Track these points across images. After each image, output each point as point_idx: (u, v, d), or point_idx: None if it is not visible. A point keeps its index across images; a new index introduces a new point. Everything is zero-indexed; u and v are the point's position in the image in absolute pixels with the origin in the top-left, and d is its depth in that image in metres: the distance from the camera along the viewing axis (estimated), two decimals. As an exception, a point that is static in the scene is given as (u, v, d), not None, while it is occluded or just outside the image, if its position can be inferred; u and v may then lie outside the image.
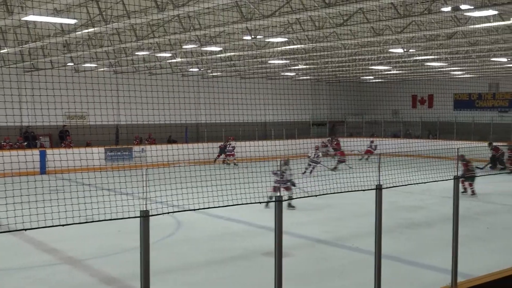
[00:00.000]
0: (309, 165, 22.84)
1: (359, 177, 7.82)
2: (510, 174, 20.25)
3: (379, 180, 5.62)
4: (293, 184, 14.75)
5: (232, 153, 27.26)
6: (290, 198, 14.38)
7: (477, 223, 13.56)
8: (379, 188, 5.41)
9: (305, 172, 21.90)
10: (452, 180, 6.21)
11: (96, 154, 25.26)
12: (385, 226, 10.16)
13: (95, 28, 14.69)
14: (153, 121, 22.39)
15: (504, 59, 22.77)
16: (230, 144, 27.73)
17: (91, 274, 9.54)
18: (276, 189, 14.38)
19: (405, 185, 6.83)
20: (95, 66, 25.11)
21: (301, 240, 11.74)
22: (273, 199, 15.09)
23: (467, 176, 16.91)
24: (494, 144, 25.30)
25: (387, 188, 5.79)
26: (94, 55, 22.07)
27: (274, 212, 4.75)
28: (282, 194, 14.39)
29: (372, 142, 30.07)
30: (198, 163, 22.68)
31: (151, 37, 16.63)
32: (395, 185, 6.85)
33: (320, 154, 24.73)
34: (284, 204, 13.74)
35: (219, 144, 27.81)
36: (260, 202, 13.65)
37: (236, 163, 25.90)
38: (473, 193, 17.13)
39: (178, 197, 6.87)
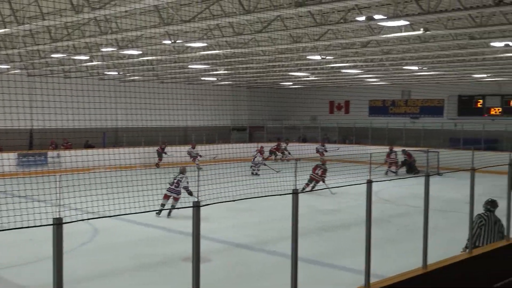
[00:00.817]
0: (253, 167, 24.67)
1: (278, 182, 7.96)
2: (418, 177, 21.25)
3: (296, 184, 5.73)
4: (190, 193, 14.61)
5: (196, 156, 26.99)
6: (173, 208, 14.64)
7: (390, 225, 14.12)
8: (295, 193, 5.51)
9: (253, 173, 23.97)
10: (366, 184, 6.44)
11: (6, 160, 24.15)
12: (303, 230, 10.38)
13: (7, 29, 14.11)
14: (67, 126, 21.82)
15: (415, 68, 23.77)
16: (163, 148, 28.01)
17: (4, 286, 9.14)
18: (167, 196, 14.77)
19: (322, 189, 7.02)
20: (7, 68, 24.07)
21: (220, 245, 11.75)
22: (165, 207, 14.93)
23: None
24: (407, 149, 26.48)
25: (302, 192, 5.92)
26: (6, 57, 21.16)
27: (192, 218, 4.74)
28: (171, 203, 14.60)
29: (322, 145, 30.82)
30: (116, 168, 22.19)
31: (67, 40, 16.16)
32: (311, 189, 6.99)
33: (260, 158, 25.78)
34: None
35: (156, 148, 28.01)
36: (154, 210, 13.56)
37: (201, 167, 25.30)
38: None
39: (94, 204, 6.71)
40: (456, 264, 7.25)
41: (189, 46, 18.42)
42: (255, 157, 25.62)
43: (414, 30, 14.69)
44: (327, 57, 20.78)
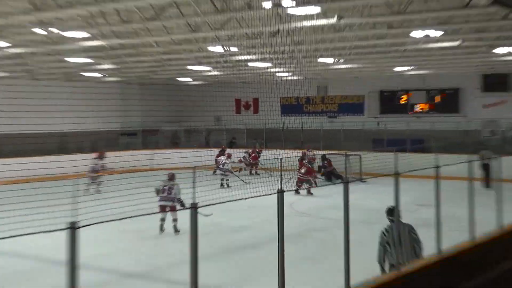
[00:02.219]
0: (222, 175, 25.27)
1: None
2: (338, 184, 21.89)
3: (194, 198, 5.77)
4: (183, 205, 14.88)
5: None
6: (175, 221, 15.13)
7: (308, 241, 14.46)
8: (194, 207, 5.51)
9: (222, 185, 24.39)
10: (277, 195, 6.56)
11: None
12: (206, 253, 10.43)
13: None
14: None
15: (330, 60, 24.43)
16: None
17: None
18: (163, 208, 15.29)
19: (223, 202, 7.06)
20: None
21: (109, 276, 11.56)
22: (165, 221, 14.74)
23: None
24: (327, 155, 27.22)
25: (204, 206, 5.92)
26: None
27: (70, 242, 4.57)
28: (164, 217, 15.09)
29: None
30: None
31: None
32: (213, 202, 7.03)
33: (230, 165, 26.39)
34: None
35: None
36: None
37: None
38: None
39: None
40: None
41: (67, 36, 17.96)
42: (224, 163, 25.48)
43: (327, 18, 15.10)
44: (231, 49, 20.94)
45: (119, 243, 14.35)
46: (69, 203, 10.82)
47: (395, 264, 8.12)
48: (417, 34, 17.39)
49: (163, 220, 15.32)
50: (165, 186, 15.44)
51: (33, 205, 13.81)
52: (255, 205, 17.89)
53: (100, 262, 12.02)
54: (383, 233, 8.67)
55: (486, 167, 21.90)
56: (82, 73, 29.64)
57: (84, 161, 25.88)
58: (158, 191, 15.46)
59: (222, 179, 25.07)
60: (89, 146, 31.68)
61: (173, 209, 15.18)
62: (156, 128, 36.62)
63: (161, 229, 15.34)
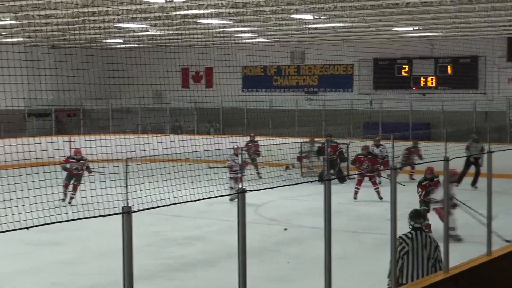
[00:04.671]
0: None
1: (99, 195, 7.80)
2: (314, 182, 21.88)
3: (127, 199, 5.65)
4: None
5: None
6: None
7: (278, 257, 14.46)
8: (126, 212, 5.41)
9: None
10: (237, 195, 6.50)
11: None
12: (144, 270, 10.35)
13: None
14: None
15: (309, 17, 24.31)
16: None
17: None
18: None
19: (168, 205, 6.95)
20: None
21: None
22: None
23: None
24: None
25: (140, 210, 5.84)
26: None
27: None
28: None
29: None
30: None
31: None
32: (154, 205, 6.96)
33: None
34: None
35: None
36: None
37: None
38: None
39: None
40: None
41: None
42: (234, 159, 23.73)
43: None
44: (174, 0, 20.74)
45: (27, 259, 14.18)
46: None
47: (404, 282, 8.23)
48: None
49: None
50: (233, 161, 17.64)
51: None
52: (207, 210, 18.00)
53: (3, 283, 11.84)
54: (404, 240, 8.63)
55: (470, 163, 22.56)
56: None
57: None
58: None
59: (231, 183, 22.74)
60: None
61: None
62: (76, 108, 36.23)
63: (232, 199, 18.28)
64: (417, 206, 10.47)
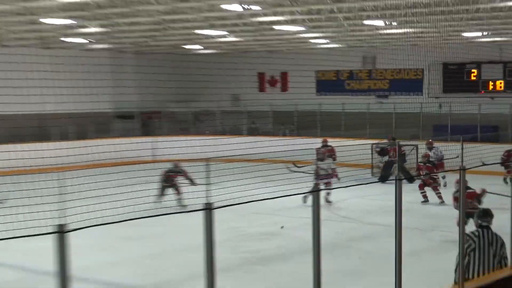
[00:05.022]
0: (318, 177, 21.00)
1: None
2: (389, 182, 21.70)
3: (207, 196, 5.73)
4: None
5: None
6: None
7: (351, 252, 14.46)
8: (208, 208, 5.49)
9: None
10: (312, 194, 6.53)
11: None
12: (224, 263, 10.45)
13: None
14: None
15: (381, 23, 24.16)
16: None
17: None
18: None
19: (248, 202, 7.03)
20: None
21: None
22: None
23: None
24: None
25: (221, 207, 5.91)
26: None
27: (58, 248, 4.62)
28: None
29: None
30: None
31: None
32: (234, 202, 7.03)
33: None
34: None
35: None
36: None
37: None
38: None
39: None
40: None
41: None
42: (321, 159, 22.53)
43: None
44: (251, 7, 20.79)
45: (117, 252, 14.54)
46: (54, 202, 10.97)
47: (471, 277, 8.17)
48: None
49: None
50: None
51: (11, 204, 14.04)
52: (283, 208, 18.04)
53: (85, 273, 12.07)
54: (471, 237, 8.59)
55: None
56: (62, 39, 29.74)
57: (69, 150, 26.11)
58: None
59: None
60: (75, 132, 31.92)
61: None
62: (158, 110, 36.66)
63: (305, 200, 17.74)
64: (487, 206, 10.31)
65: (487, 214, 8.65)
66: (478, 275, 8.15)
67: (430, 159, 22.48)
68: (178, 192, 20.26)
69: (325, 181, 21.04)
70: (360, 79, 36.29)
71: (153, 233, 15.64)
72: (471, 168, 7.98)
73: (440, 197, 20.62)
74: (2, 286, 12.36)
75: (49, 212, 10.58)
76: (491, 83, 32.22)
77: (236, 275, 12.27)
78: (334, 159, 25.04)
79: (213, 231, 5.40)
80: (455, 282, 8.38)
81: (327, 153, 24.08)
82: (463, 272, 7.81)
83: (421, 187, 21.29)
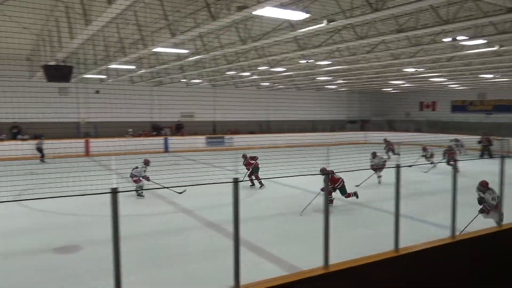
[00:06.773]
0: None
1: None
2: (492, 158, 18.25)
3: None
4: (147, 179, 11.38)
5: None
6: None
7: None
8: (398, 168, 5.02)
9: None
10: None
11: (200, 140, 25.93)
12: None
13: (200, 56, 14.88)
14: (240, 119, 22.71)
15: (490, 76, 21.30)
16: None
17: (198, 220, 9.44)
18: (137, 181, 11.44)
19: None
20: (200, 82, 25.49)
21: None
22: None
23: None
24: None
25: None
26: (199, 74, 22.43)
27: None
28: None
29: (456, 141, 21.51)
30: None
31: (237, 62, 16.73)
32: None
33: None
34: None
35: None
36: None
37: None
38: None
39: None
40: None
41: (318, 64, 18.16)
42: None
43: (490, 46, 13.14)
44: (419, 69, 19.34)
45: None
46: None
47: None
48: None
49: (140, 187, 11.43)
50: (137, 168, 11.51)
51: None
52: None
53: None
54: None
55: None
56: (325, 86, 29.77)
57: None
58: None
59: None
60: (327, 129, 31.97)
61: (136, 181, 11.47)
62: (368, 119, 35.48)
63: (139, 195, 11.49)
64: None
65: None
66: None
67: None
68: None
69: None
70: (476, 104, 32.13)
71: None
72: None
73: None
74: None
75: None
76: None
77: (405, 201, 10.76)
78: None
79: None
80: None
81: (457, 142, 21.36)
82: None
83: None
